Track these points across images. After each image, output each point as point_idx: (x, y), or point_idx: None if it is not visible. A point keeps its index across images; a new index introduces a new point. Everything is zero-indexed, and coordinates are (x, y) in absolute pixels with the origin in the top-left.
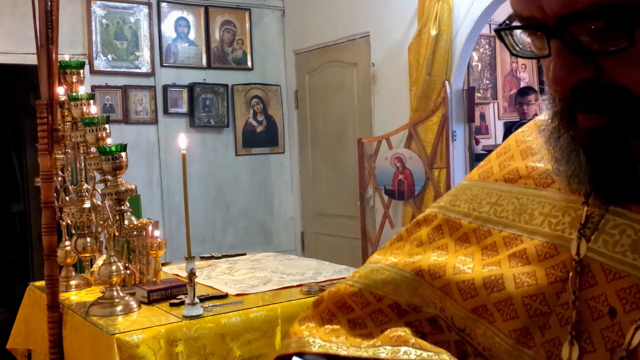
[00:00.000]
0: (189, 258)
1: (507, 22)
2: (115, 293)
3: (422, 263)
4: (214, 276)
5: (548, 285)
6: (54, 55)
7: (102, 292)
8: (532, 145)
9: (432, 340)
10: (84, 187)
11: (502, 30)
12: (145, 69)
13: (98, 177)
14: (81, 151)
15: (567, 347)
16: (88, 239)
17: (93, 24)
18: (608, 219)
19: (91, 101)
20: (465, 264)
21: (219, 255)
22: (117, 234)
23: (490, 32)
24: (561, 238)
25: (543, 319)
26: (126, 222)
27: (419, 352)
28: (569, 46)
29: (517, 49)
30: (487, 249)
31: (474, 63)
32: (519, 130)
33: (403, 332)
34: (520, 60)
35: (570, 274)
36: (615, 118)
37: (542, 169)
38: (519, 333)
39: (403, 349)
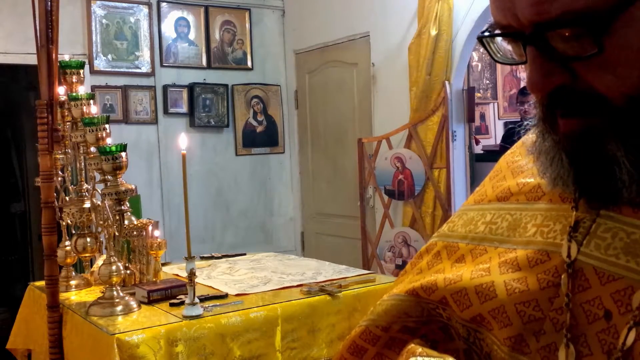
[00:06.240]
0: (189, 258)
1: (489, 29)
2: (115, 293)
3: (416, 284)
4: (214, 276)
5: (540, 290)
6: (54, 55)
7: (102, 292)
8: (522, 164)
9: (443, 348)
10: (84, 187)
11: (484, 38)
12: (145, 69)
13: (98, 177)
14: (81, 151)
15: (564, 352)
16: (88, 239)
17: (93, 24)
18: (599, 223)
19: (91, 101)
20: (456, 275)
21: (219, 255)
22: (117, 234)
23: None
24: (553, 244)
25: (537, 324)
26: (126, 222)
27: (426, 359)
28: (543, 53)
29: (499, 55)
30: (481, 264)
31: (474, 63)
32: (508, 151)
33: (413, 344)
34: None
35: (563, 276)
36: (594, 122)
37: (533, 183)
38: (513, 340)
39: (412, 359)
